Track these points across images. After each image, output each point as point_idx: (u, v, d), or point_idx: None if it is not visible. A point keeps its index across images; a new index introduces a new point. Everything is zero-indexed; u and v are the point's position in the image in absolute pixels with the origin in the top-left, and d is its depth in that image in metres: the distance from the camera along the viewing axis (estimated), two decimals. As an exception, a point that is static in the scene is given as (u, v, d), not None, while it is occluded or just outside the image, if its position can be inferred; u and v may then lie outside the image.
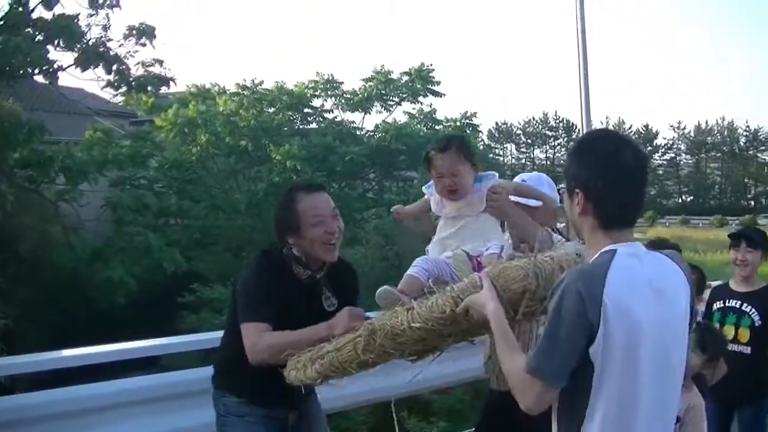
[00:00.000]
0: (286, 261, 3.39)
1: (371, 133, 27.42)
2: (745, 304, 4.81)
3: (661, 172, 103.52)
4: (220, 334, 3.79)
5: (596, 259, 2.29)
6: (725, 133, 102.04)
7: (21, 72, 16.85)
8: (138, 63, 17.98)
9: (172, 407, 4.71)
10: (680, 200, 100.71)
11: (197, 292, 17.37)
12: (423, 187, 3.42)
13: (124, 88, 18.17)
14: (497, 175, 3.31)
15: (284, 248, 3.39)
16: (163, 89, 19.43)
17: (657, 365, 2.25)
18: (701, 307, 5.24)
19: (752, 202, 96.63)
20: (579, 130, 17.52)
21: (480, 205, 3.18)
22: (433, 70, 27.21)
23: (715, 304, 5.00)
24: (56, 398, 4.51)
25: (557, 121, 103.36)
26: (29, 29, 16.37)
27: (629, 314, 2.18)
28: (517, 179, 3.69)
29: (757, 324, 4.73)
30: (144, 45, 17.83)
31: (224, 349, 3.60)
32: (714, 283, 9.09)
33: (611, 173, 2.31)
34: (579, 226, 2.43)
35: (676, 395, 2.39)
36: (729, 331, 4.81)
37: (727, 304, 4.92)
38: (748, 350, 4.75)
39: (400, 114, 28.19)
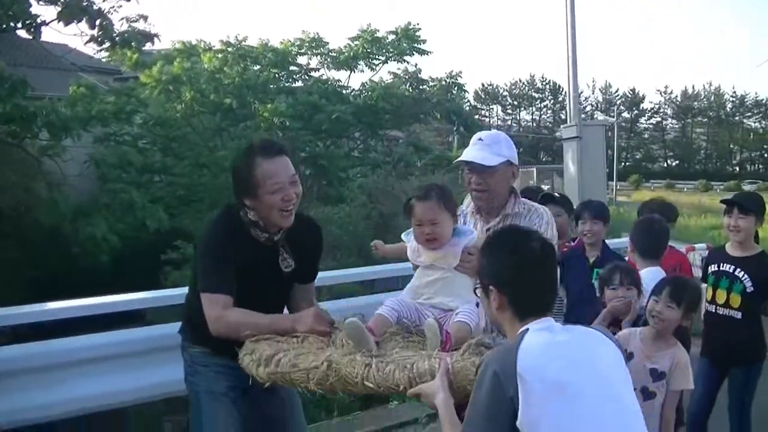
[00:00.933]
0: (244, 223, 3.40)
1: (357, 92, 27.24)
2: (738, 270, 4.77)
3: (646, 136, 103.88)
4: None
5: (511, 340, 2.35)
6: (712, 98, 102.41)
7: (3, 26, 16.60)
8: (122, 18, 17.66)
9: (156, 360, 4.73)
10: (666, 164, 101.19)
11: (180, 248, 17.32)
12: (402, 234, 3.47)
13: (107, 44, 17.87)
14: (476, 232, 3.38)
15: (242, 211, 3.40)
16: (148, 45, 19.19)
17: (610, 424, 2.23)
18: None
19: (737, 168, 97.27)
20: (566, 92, 17.36)
21: (454, 260, 3.22)
22: (420, 29, 27.02)
23: (710, 267, 4.97)
24: (36, 351, 4.53)
25: (544, 83, 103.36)
26: (11, -18, 16.09)
27: (550, 380, 2.19)
28: (475, 138, 3.63)
29: (748, 290, 4.70)
30: (128, 0, 17.58)
31: (188, 302, 3.62)
32: (698, 246, 9.21)
33: (520, 264, 2.42)
34: (499, 322, 2.50)
35: None
36: (721, 296, 4.80)
37: (721, 268, 4.87)
38: (738, 315, 4.72)
39: (385, 73, 28.09)
